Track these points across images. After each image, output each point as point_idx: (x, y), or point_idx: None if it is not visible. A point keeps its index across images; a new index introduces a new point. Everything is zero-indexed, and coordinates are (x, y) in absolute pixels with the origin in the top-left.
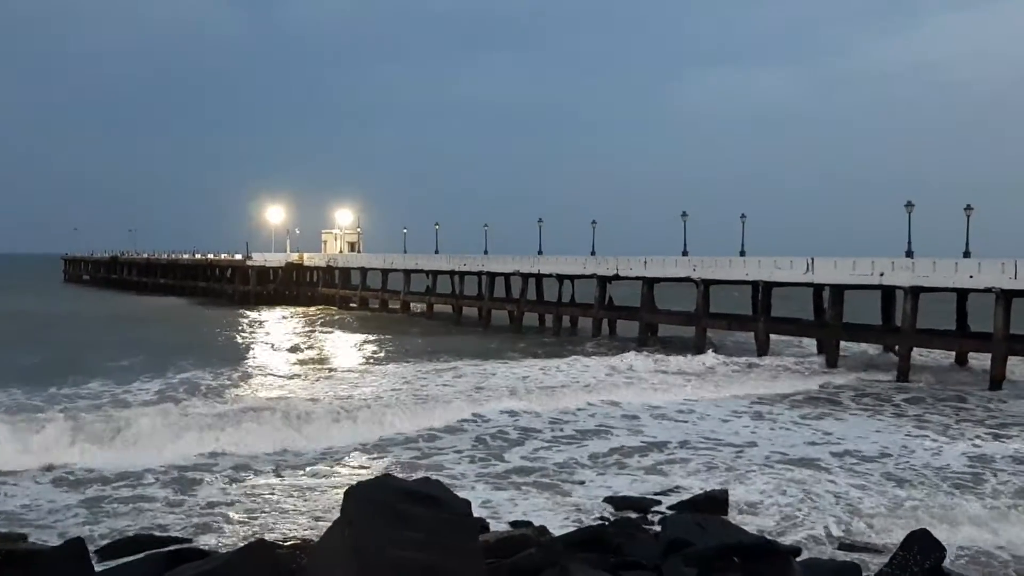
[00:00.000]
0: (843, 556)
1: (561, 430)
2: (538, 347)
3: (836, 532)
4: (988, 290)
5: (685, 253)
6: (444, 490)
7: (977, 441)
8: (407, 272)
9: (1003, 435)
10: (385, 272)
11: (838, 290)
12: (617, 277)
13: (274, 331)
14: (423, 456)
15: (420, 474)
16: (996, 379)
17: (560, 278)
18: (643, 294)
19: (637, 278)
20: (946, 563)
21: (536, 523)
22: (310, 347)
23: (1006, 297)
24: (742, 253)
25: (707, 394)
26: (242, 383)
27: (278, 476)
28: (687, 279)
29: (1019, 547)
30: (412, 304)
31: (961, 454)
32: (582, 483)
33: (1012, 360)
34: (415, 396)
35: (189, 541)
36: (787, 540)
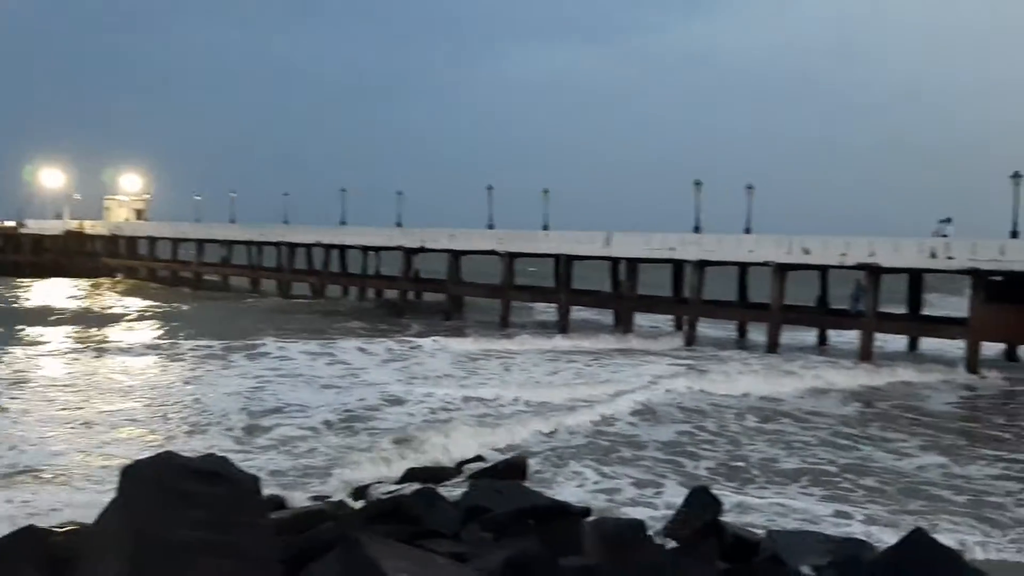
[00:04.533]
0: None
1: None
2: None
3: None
4: (765, 264)
5: (491, 226)
6: (229, 466)
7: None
8: (200, 242)
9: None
10: (176, 242)
11: (633, 264)
12: (423, 249)
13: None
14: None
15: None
16: (772, 345)
17: (365, 250)
18: (449, 266)
19: (444, 250)
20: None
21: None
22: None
23: (781, 270)
24: (545, 227)
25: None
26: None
27: None
28: (492, 252)
29: None
30: (205, 275)
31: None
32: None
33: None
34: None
35: None
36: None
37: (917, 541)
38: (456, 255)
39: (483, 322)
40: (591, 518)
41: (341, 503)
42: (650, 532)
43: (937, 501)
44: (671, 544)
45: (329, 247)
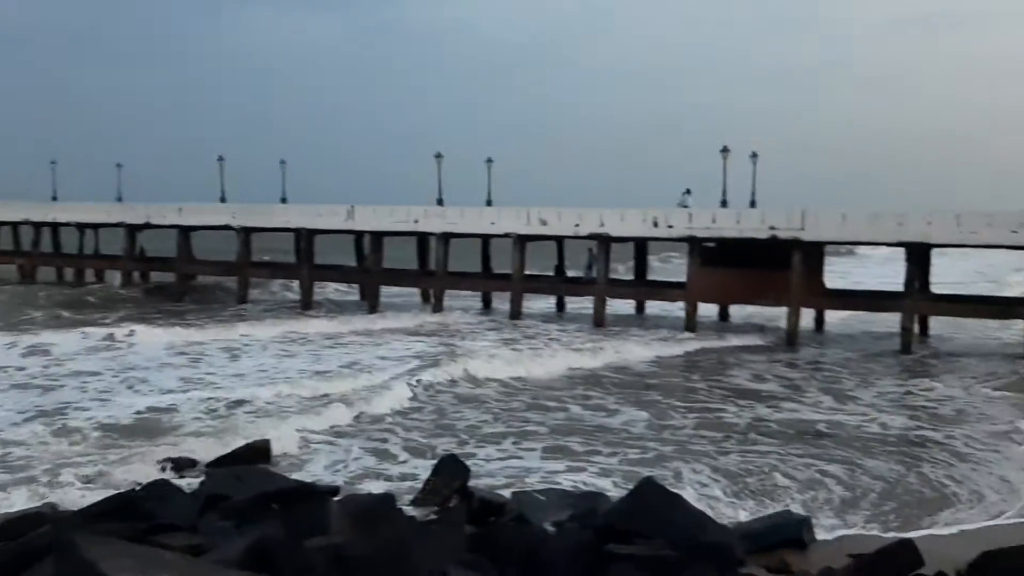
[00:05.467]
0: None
1: None
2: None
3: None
4: (507, 235)
5: (223, 199)
6: None
7: None
8: None
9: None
10: None
11: (377, 237)
12: (148, 226)
13: None
14: None
15: None
16: (514, 314)
17: (81, 227)
18: (179, 243)
19: (172, 226)
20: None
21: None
22: None
23: (521, 241)
24: (283, 200)
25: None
26: None
27: None
28: (227, 227)
29: None
30: None
31: None
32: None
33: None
34: None
35: None
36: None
37: (647, 489)
38: (186, 231)
39: (266, 303)
40: (339, 497)
41: (55, 505)
42: (402, 504)
43: (649, 452)
44: (423, 513)
45: (39, 225)
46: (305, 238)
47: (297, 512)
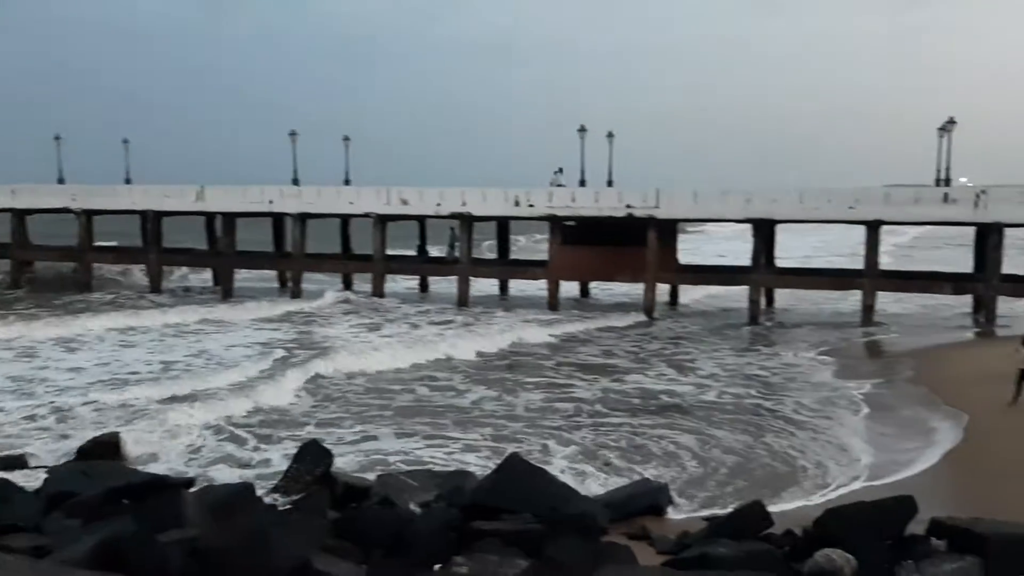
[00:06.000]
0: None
1: None
2: None
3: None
4: (367, 215)
5: (61, 181)
6: None
7: None
8: None
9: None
10: None
11: (230, 218)
12: None
13: None
14: None
15: None
16: (376, 295)
17: None
18: (14, 228)
19: (5, 210)
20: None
21: None
22: None
23: (382, 221)
24: (128, 181)
25: None
26: None
27: None
28: (66, 210)
29: None
30: None
31: None
32: None
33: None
34: None
35: None
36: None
37: (513, 465)
38: (20, 215)
39: (113, 289)
40: (195, 488)
41: None
42: (262, 492)
43: (502, 429)
44: (285, 502)
45: None
46: (152, 220)
47: (149, 506)
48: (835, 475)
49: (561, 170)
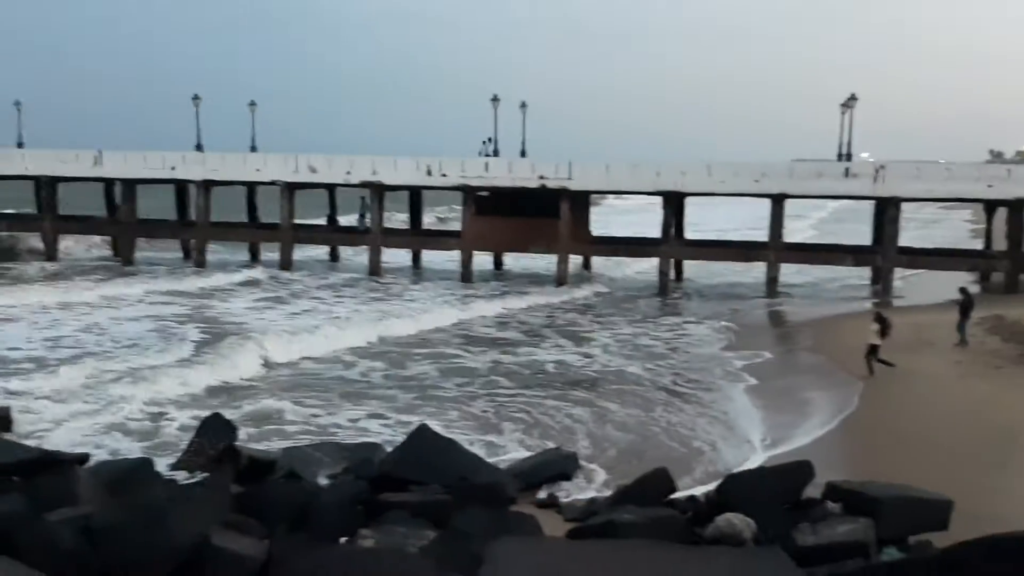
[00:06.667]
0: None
1: None
2: None
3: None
4: (273, 183)
5: None
6: None
7: None
8: None
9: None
10: None
11: (130, 185)
12: None
13: None
14: None
15: None
16: (285, 265)
17: None
18: None
19: None
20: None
21: None
22: None
23: (289, 189)
24: (20, 145)
25: None
26: None
27: None
28: None
29: None
30: None
31: None
32: None
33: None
34: None
35: None
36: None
37: (422, 434)
38: None
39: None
40: (90, 464)
41: None
42: (163, 468)
43: (397, 400)
44: (186, 476)
45: None
46: (47, 186)
47: (40, 483)
48: (735, 443)
49: (491, 139)
